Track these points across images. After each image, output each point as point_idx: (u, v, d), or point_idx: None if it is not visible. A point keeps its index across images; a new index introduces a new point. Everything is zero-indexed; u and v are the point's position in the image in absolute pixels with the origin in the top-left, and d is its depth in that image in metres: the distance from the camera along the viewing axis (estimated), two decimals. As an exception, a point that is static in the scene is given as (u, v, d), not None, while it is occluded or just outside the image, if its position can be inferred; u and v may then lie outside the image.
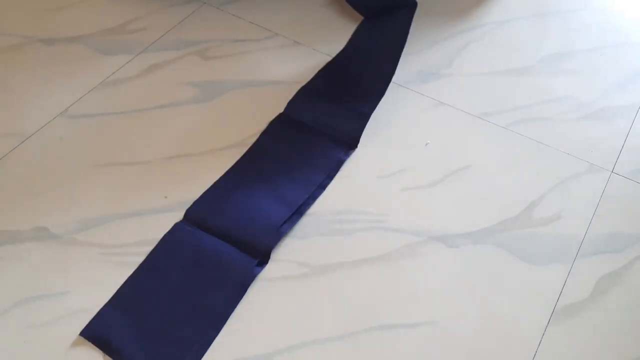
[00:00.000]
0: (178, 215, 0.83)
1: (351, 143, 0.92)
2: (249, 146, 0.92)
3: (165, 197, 0.85)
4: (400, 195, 0.87)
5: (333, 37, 1.10)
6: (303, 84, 1.01)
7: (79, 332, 0.71)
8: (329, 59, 1.06)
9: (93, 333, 0.70)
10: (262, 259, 0.78)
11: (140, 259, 0.78)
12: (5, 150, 0.90)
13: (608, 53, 1.10)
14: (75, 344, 0.70)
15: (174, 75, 1.02)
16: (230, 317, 0.74)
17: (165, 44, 1.08)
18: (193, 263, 0.76)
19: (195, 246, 0.78)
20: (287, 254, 0.80)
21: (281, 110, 0.96)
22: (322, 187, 0.87)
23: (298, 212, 0.83)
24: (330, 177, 0.88)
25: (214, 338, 0.71)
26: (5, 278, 0.76)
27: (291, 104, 0.97)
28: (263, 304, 0.75)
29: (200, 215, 0.82)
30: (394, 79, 1.03)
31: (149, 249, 0.79)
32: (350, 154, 0.91)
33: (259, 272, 0.77)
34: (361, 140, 0.94)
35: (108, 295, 0.75)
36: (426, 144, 0.94)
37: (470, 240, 0.82)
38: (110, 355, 0.69)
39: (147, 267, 0.76)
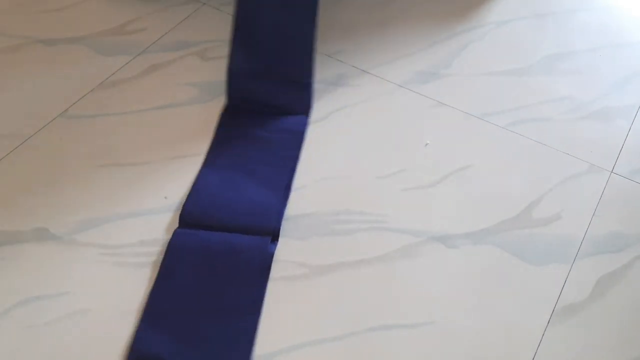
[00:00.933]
0: (179, 216, 0.83)
1: (305, 110, 0.94)
2: (248, 147, 0.92)
3: (165, 197, 0.85)
4: (399, 196, 0.87)
5: (332, 37, 1.10)
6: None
7: (78, 335, 0.71)
8: (328, 59, 1.06)
9: (140, 356, 0.69)
10: (273, 237, 0.79)
11: (140, 260, 0.78)
12: (5, 151, 0.90)
13: (608, 53, 1.10)
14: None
15: (174, 75, 1.02)
16: (230, 317, 0.74)
17: (164, 44, 1.08)
18: (208, 262, 0.76)
19: (203, 246, 0.77)
20: (287, 255, 0.80)
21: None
22: (297, 158, 0.89)
23: (287, 188, 0.85)
24: (299, 148, 0.89)
25: (257, 325, 0.71)
26: (5, 278, 0.77)
27: (230, 91, 0.95)
28: (263, 304, 0.75)
29: (195, 215, 0.81)
30: (392, 79, 1.03)
31: (149, 249, 0.79)
32: (309, 120, 0.93)
33: (273, 250, 0.78)
34: (360, 140, 0.94)
35: (108, 296, 0.75)
36: (426, 144, 0.94)
37: (470, 240, 0.82)
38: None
39: (163, 279, 0.75)
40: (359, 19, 1.14)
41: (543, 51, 1.10)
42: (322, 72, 1.04)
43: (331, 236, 0.82)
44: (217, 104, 0.98)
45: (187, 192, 0.85)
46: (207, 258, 0.76)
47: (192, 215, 0.81)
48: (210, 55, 1.06)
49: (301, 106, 0.94)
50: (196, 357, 0.69)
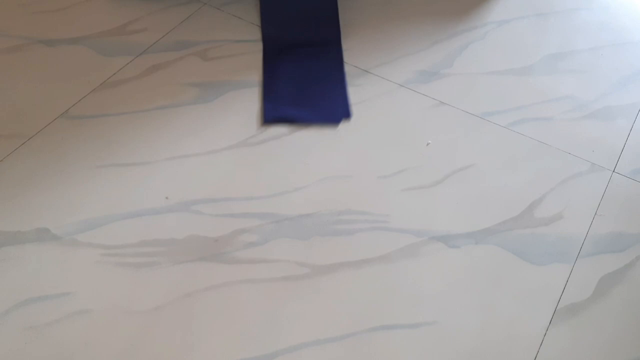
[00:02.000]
0: (179, 216, 0.83)
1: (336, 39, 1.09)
2: (249, 147, 0.92)
3: (166, 197, 0.85)
4: (401, 196, 0.87)
5: (333, 37, 1.10)
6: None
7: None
8: (329, 59, 1.06)
9: (272, 118, 0.95)
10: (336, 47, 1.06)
11: (141, 260, 0.78)
12: (6, 151, 0.90)
13: (609, 52, 1.10)
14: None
15: (175, 76, 1.02)
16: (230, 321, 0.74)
17: (165, 45, 1.08)
18: (297, 58, 1.04)
19: (289, 46, 1.06)
20: (288, 255, 0.80)
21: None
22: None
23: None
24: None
25: (346, 91, 1.00)
26: (6, 279, 0.77)
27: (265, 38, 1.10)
28: (264, 304, 0.75)
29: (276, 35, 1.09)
30: (394, 79, 1.03)
31: (150, 249, 0.79)
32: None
33: (341, 52, 1.06)
34: (361, 140, 0.94)
35: (109, 296, 0.75)
36: (427, 144, 0.94)
37: (472, 240, 0.82)
38: (293, 122, 0.95)
39: (268, 72, 1.02)
40: (360, 19, 1.14)
41: (544, 50, 1.10)
42: (323, 72, 1.04)
43: (332, 236, 0.82)
44: (217, 105, 0.98)
45: (188, 192, 0.85)
46: (295, 54, 1.05)
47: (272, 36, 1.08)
48: (211, 55, 1.06)
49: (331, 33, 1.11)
50: (314, 113, 0.96)
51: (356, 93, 1.01)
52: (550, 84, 1.04)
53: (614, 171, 0.91)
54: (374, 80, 1.03)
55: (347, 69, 1.05)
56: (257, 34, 1.10)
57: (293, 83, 1.00)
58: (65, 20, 1.12)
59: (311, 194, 0.86)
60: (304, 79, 1.02)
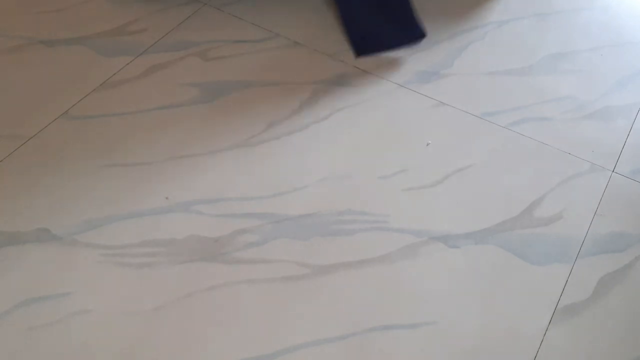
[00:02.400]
0: (180, 216, 0.83)
1: None
2: (249, 147, 0.92)
3: (167, 197, 0.85)
4: (401, 196, 0.87)
5: (333, 37, 1.10)
6: (304, 84, 1.01)
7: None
8: (329, 59, 1.06)
9: (363, 51, 1.06)
10: None
11: (141, 260, 0.78)
12: (6, 151, 0.90)
13: (609, 52, 1.10)
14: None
15: (175, 76, 1.02)
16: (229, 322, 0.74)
17: (165, 45, 1.08)
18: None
19: None
20: (288, 255, 0.80)
21: (284, 111, 0.97)
22: None
23: None
24: None
25: (412, 9, 1.07)
26: (6, 279, 0.77)
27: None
28: (264, 304, 0.75)
29: None
30: (394, 79, 1.03)
31: (150, 250, 0.79)
32: None
33: None
34: (361, 140, 0.94)
35: (109, 296, 0.75)
36: (427, 144, 0.94)
37: (472, 240, 0.82)
38: (380, 51, 1.06)
39: (345, 12, 1.09)
40: (360, 19, 1.13)
41: (544, 51, 1.10)
42: (323, 72, 1.04)
43: (333, 236, 0.82)
44: (218, 105, 0.98)
45: (188, 192, 0.85)
46: None
47: None
48: (211, 55, 1.06)
49: None
50: (394, 39, 1.05)
51: (356, 93, 1.01)
52: (550, 84, 1.04)
53: (613, 171, 0.91)
54: (374, 81, 1.03)
55: (347, 69, 1.05)
56: (257, 34, 1.10)
57: (366, 16, 1.08)
58: (65, 20, 1.12)
59: (311, 194, 0.86)
60: (373, 10, 1.08)
